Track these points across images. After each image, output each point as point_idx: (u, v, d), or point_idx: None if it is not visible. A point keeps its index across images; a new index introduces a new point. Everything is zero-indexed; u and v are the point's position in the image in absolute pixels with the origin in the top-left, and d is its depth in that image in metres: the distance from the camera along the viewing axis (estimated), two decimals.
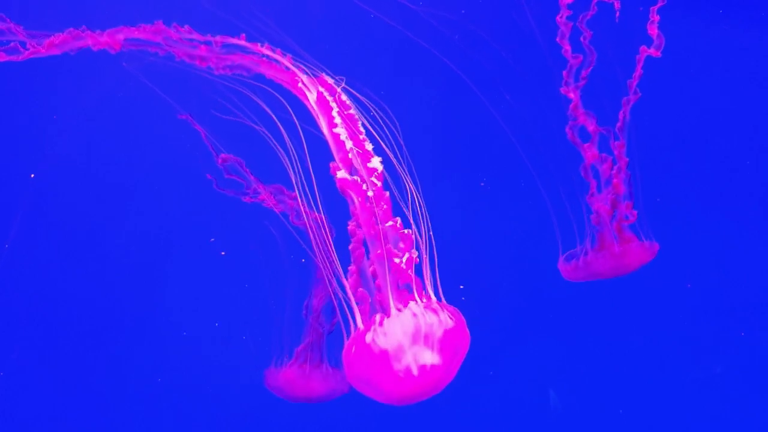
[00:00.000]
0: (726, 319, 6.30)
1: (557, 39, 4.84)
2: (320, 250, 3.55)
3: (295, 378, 4.63)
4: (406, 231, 3.42)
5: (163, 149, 5.38)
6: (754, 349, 6.29)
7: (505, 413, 6.27)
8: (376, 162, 3.41)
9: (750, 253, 6.30)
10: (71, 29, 3.52)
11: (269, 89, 3.62)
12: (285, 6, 5.10)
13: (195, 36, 3.57)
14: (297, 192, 3.64)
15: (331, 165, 3.44)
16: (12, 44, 3.51)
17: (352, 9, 5.20)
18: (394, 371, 3.26)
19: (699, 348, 6.32)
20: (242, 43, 3.52)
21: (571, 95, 4.83)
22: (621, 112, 4.81)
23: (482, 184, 5.92)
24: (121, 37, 3.56)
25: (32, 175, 5.41)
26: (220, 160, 4.40)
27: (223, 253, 5.68)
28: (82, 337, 5.66)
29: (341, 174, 3.39)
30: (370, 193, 3.38)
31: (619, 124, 4.80)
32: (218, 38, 3.59)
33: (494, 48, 5.73)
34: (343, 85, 3.56)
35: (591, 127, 4.84)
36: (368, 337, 3.27)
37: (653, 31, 4.73)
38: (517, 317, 6.23)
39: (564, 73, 4.84)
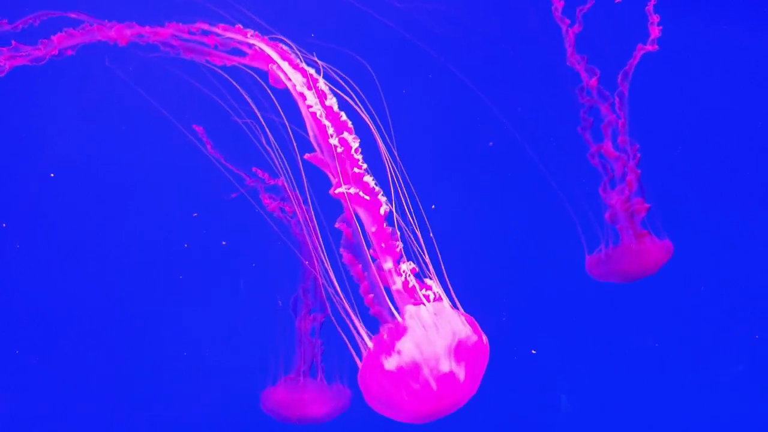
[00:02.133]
0: (740, 321, 6.25)
1: (566, 37, 4.82)
2: (319, 263, 3.49)
3: (289, 398, 4.54)
4: (399, 244, 3.30)
5: (163, 149, 5.34)
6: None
7: (514, 416, 6.21)
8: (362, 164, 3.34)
9: (757, 254, 6.26)
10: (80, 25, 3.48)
11: (263, 83, 3.59)
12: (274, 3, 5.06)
13: (199, 27, 3.51)
14: (290, 192, 3.61)
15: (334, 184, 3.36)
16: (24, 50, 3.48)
17: (346, 7, 5.18)
18: (413, 389, 3.14)
19: (711, 351, 6.26)
20: (236, 34, 3.47)
21: (582, 72, 4.83)
22: (615, 111, 4.82)
23: (491, 144, 5.85)
24: (128, 32, 3.53)
25: (52, 174, 5.39)
26: (254, 170, 4.32)
27: (223, 242, 5.63)
28: (79, 338, 5.59)
29: (341, 189, 3.30)
30: (382, 210, 3.28)
31: (621, 121, 4.82)
32: (218, 29, 3.55)
33: (493, 44, 5.72)
34: (319, 72, 3.51)
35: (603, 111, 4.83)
36: (382, 356, 3.13)
37: (654, 30, 4.71)
38: (526, 319, 6.20)
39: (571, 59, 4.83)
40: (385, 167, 3.43)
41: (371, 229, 3.29)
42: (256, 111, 3.64)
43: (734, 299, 6.24)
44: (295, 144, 3.49)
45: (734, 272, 6.24)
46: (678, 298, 6.19)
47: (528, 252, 6.13)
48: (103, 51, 3.66)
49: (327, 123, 3.37)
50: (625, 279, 4.99)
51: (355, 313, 3.30)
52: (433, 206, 5.01)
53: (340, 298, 3.32)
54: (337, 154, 3.33)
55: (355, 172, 3.32)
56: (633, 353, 6.24)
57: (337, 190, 3.31)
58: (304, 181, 3.51)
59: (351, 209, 3.30)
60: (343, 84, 3.47)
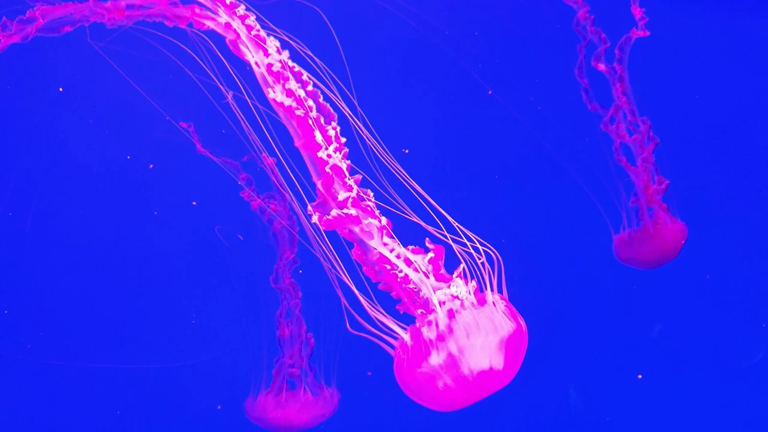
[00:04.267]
0: (758, 309, 6.21)
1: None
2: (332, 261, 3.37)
3: (272, 406, 4.52)
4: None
5: (155, 141, 5.28)
6: None
7: (523, 410, 6.17)
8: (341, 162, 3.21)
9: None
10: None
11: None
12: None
13: None
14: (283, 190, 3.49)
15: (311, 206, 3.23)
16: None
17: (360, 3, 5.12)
18: (450, 385, 3.12)
19: (728, 341, 6.21)
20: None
21: (601, 68, 4.80)
22: (619, 100, 4.81)
23: (489, 92, 5.71)
24: (122, 3, 3.40)
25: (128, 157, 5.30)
26: (267, 161, 4.21)
27: (193, 203, 5.49)
28: (67, 338, 5.59)
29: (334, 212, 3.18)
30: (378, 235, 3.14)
31: (626, 106, 4.80)
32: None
33: (498, 34, 5.75)
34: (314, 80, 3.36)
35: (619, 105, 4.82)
36: (418, 354, 3.10)
37: (636, 11, 4.63)
38: (537, 313, 6.12)
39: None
40: (390, 165, 3.35)
41: (378, 249, 3.19)
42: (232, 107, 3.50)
43: (751, 288, 6.18)
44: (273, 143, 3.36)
45: (752, 260, 6.17)
46: (692, 289, 6.15)
47: (540, 245, 6.07)
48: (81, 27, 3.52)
49: (319, 137, 3.23)
50: (646, 263, 5.07)
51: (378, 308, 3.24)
52: (406, 150, 4.95)
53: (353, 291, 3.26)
54: (325, 173, 3.20)
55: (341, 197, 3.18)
56: (644, 345, 6.21)
57: (322, 219, 3.17)
58: (291, 175, 3.37)
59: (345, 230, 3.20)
60: (328, 89, 3.34)
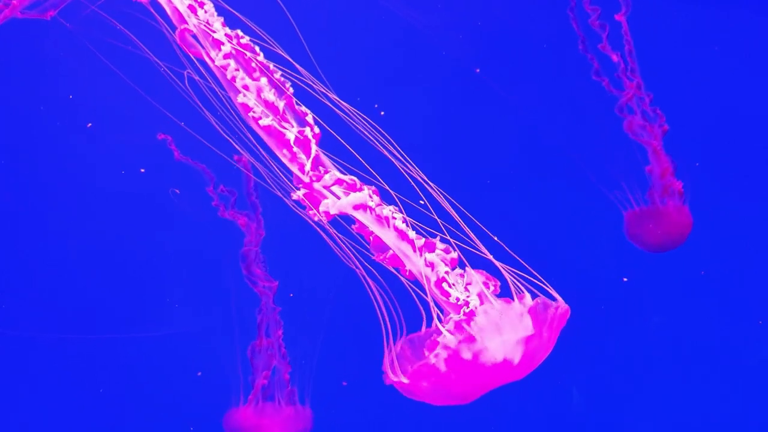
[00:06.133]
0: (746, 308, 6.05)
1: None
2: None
3: (251, 421, 4.43)
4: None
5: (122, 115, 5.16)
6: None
7: (524, 412, 6.02)
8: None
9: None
10: None
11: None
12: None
13: None
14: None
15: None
16: None
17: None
18: (462, 387, 3.08)
19: (729, 342, 6.05)
20: None
21: (615, 58, 4.80)
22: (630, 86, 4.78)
23: (477, 71, 5.64)
24: None
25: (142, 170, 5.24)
26: (242, 159, 4.09)
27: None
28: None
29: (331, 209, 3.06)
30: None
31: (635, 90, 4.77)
32: None
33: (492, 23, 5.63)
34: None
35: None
36: (430, 358, 3.01)
37: None
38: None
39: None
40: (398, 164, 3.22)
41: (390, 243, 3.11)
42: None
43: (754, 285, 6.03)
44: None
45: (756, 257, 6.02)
46: (698, 285, 6.00)
47: (539, 241, 5.88)
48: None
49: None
50: (653, 243, 5.06)
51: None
52: (382, 112, 4.86)
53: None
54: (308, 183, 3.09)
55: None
56: (647, 346, 6.07)
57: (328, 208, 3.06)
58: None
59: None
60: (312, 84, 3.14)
